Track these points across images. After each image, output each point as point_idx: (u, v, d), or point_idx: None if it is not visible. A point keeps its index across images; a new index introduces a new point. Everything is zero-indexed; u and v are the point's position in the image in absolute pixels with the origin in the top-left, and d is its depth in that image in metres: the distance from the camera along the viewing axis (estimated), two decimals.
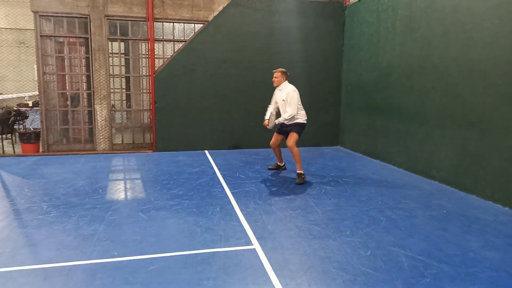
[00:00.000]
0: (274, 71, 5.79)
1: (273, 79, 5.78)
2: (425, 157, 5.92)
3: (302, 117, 5.75)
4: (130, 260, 3.17)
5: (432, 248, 3.43)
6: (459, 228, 3.91)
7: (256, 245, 3.47)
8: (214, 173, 6.12)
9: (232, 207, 4.49)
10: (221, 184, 5.48)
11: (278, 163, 6.34)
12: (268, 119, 5.84)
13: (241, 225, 3.93)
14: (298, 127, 5.72)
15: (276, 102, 5.91)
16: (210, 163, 6.82)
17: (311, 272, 3.00)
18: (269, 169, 6.33)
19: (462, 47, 5.18)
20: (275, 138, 6.02)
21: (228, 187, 5.29)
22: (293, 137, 5.64)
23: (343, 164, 6.92)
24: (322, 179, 5.80)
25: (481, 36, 4.87)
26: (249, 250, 3.36)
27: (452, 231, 3.84)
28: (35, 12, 7.29)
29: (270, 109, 5.96)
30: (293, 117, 5.64)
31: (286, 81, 5.80)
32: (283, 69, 5.80)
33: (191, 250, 3.34)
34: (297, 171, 5.69)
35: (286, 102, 5.62)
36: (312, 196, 4.95)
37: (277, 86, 5.80)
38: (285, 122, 5.69)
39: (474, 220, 4.14)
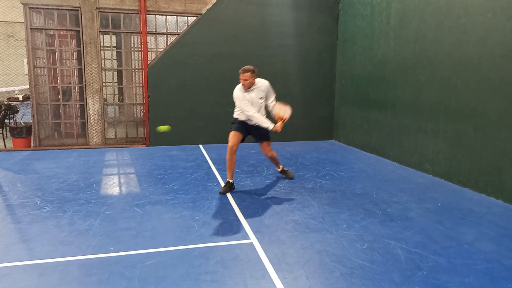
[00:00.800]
0: (240, 72, 4.77)
1: (242, 82, 4.79)
2: (418, 150, 5.96)
3: None
4: (126, 255, 3.15)
5: (428, 241, 3.46)
6: (454, 221, 3.95)
7: (253, 239, 3.47)
8: (209, 167, 6.10)
9: (228, 201, 4.48)
10: (216, 178, 5.46)
11: (230, 180, 4.92)
12: (276, 124, 4.90)
13: (238, 220, 3.93)
14: (268, 131, 4.99)
15: (253, 104, 4.90)
16: (205, 158, 6.79)
17: (309, 265, 3.01)
18: (221, 192, 4.81)
19: (455, 41, 5.20)
20: (236, 138, 4.86)
21: (224, 182, 5.27)
22: (269, 144, 5.15)
23: (337, 157, 6.94)
24: (318, 173, 5.81)
25: (475, 30, 4.90)
26: (247, 244, 3.36)
27: (447, 223, 3.88)
28: (24, 5, 7.16)
29: (259, 113, 4.93)
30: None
31: (257, 78, 4.94)
32: (250, 67, 4.78)
33: (188, 245, 3.33)
34: (281, 169, 5.47)
35: (267, 97, 5.02)
36: (307, 190, 4.96)
37: (249, 87, 4.87)
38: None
39: (468, 213, 4.18)
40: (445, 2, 5.36)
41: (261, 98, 4.97)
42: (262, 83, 4.97)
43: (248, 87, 4.86)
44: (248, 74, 4.76)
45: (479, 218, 4.03)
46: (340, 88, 8.48)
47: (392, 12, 6.50)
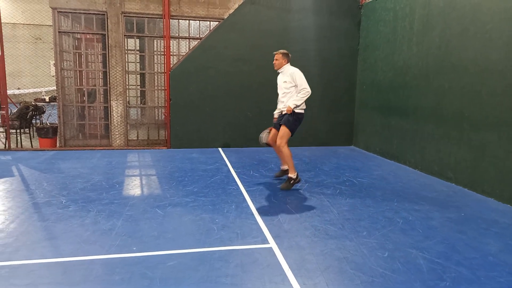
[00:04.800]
0: (275, 53, 5.32)
1: (274, 61, 5.31)
2: (441, 158, 5.86)
3: (301, 107, 5.21)
4: (148, 255, 3.21)
5: (450, 251, 3.40)
6: (477, 231, 3.87)
7: (272, 243, 3.48)
8: (229, 170, 6.14)
9: (248, 205, 4.50)
10: (235, 181, 5.50)
11: (283, 168, 5.65)
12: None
13: (257, 223, 3.94)
14: (293, 120, 5.14)
15: (279, 86, 5.42)
16: (224, 161, 6.84)
17: (328, 272, 3.00)
18: (276, 176, 5.73)
19: (481, 47, 5.11)
20: (273, 133, 5.41)
21: (243, 185, 5.31)
22: (283, 134, 5.11)
23: (357, 164, 6.88)
24: (337, 179, 5.78)
25: (501, 36, 4.80)
26: (266, 249, 3.37)
27: (470, 234, 3.80)
28: (53, 8, 7.40)
29: (285, 95, 5.32)
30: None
31: (289, 64, 5.32)
32: (284, 51, 5.31)
33: (208, 247, 3.37)
34: (288, 175, 5.20)
35: (292, 83, 5.16)
36: (327, 196, 4.94)
37: (278, 69, 5.34)
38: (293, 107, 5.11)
39: (492, 223, 4.09)
40: (470, 7, 5.27)
41: (285, 82, 5.27)
42: (290, 68, 5.28)
43: (277, 68, 5.36)
44: (279, 55, 5.28)
45: (503, 229, 3.93)
46: (360, 94, 8.42)
47: (415, 18, 6.43)
